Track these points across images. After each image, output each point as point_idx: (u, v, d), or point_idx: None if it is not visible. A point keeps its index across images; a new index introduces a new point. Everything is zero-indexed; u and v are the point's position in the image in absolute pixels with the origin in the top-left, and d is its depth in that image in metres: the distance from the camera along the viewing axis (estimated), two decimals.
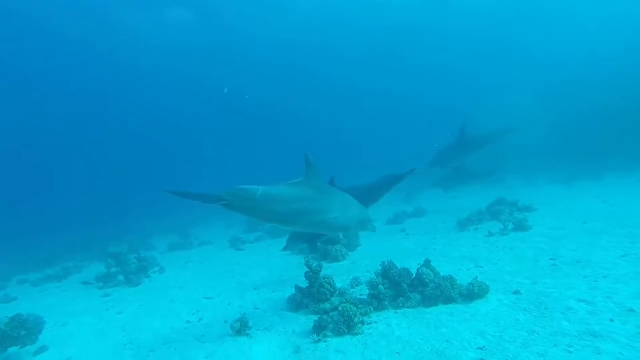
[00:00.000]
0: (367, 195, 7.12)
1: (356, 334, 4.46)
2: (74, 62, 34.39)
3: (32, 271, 12.93)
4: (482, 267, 6.27)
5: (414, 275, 5.31)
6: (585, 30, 31.98)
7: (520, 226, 8.31)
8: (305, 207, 5.00)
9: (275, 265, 8.85)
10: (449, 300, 4.95)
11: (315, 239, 7.39)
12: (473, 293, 4.92)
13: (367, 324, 4.68)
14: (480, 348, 3.72)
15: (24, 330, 5.24)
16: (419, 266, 5.44)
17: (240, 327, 5.05)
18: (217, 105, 45.85)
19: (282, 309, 5.79)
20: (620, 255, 5.67)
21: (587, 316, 3.96)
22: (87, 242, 16.01)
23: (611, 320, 3.80)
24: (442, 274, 5.30)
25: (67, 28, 29.89)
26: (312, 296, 5.56)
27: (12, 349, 5.29)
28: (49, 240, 18.47)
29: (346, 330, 4.49)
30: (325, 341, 4.41)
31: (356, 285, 6.14)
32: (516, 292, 4.90)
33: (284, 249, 7.22)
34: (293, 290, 5.91)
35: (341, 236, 8.30)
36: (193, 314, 6.30)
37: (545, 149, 18.88)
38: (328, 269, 7.35)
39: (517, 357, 3.45)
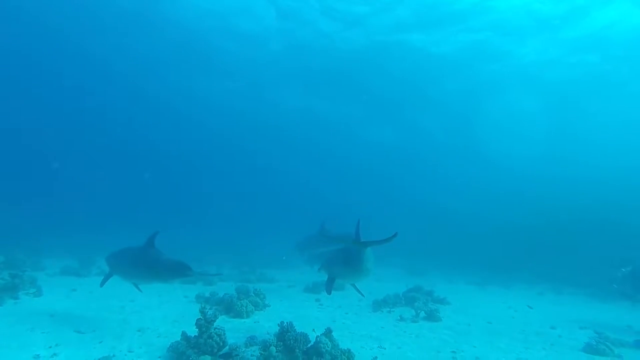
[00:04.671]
0: None
1: None
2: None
3: None
4: (385, 348, 6.04)
5: (312, 343, 4.95)
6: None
7: (431, 316, 8.35)
8: None
9: (174, 310, 7.92)
10: None
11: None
12: None
13: None
14: None
15: None
16: (319, 335, 5.10)
17: None
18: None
19: (159, 357, 5.03)
20: (515, 357, 5.89)
21: None
22: None
23: None
24: (342, 347, 4.99)
25: None
26: (197, 347, 4.92)
27: None
28: None
29: None
30: None
31: (251, 345, 5.55)
32: None
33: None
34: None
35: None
36: (50, 347, 5.25)
37: (465, 254, 20.57)
38: (227, 324, 6.72)
39: None
